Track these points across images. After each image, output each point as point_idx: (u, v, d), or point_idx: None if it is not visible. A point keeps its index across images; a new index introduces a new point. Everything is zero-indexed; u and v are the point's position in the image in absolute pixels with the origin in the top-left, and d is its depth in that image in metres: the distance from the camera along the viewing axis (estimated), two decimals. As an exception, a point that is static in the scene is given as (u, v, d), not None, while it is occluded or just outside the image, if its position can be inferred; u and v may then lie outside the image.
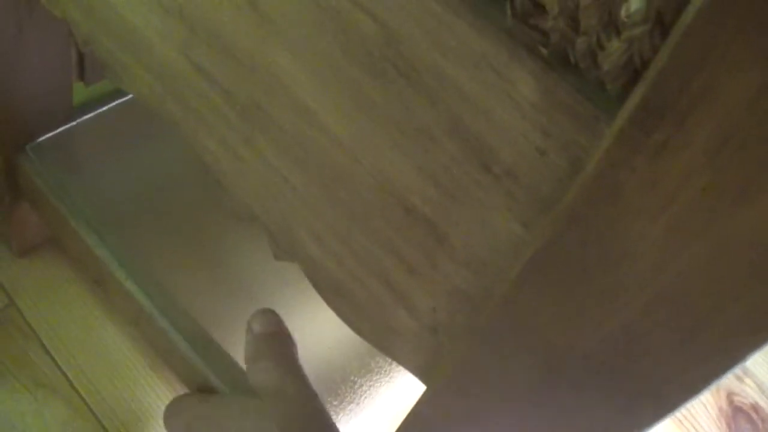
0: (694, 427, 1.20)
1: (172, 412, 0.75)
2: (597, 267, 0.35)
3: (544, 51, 0.35)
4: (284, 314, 0.74)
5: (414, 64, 0.40)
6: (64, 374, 0.99)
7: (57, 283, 1.06)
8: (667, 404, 0.38)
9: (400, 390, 0.88)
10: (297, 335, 0.74)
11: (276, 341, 0.72)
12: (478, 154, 0.40)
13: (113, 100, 0.96)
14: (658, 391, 0.38)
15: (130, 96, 0.92)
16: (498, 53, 0.36)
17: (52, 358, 1.00)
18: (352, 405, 0.84)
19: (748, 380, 1.26)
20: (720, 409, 1.23)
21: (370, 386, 0.86)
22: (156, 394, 1.01)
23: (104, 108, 0.96)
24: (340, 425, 0.75)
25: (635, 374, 0.38)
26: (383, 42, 0.40)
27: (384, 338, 0.52)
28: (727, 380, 1.24)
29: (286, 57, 0.46)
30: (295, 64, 0.46)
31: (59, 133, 0.92)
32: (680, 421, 1.20)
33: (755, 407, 1.24)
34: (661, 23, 0.30)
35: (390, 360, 0.86)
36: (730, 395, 1.24)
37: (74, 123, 0.93)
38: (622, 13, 0.30)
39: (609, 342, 0.38)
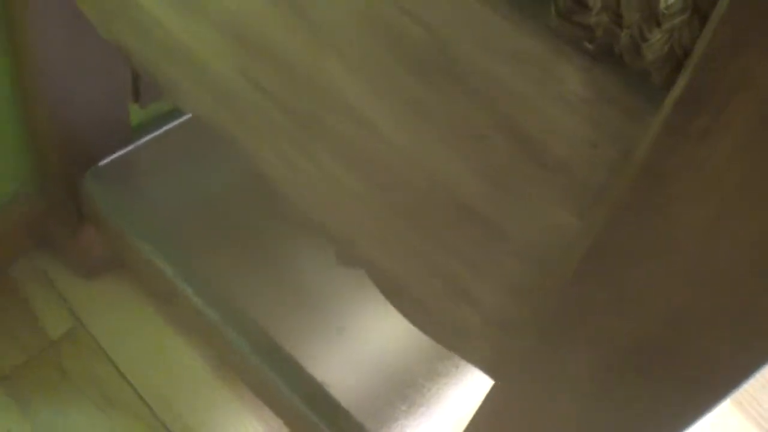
0: (760, 414, 1.19)
1: None
2: (649, 253, 0.36)
3: (589, 46, 0.36)
4: (350, 320, 0.75)
5: (464, 67, 0.41)
6: (136, 391, 1.01)
7: (123, 302, 1.08)
8: (722, 385, 0.39)
9: (468, 392, 0.88)
10: (363, 341, 0.74)
11: None
12: (531, 151, 0.41)
13: (169, 121, 0.98)
14: (713, 371, 0.39)
15: (185, 116, 0.94)
16: (544, 51, 0.37)
17: (123, 376, 1.02)
18: (421, 408, 0.85)
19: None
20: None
21: (438, 389, 0.86)
22: (228, 408, 1.02)
23: (161, 129, 0.97)
24: (409, 429, 0.76)
25: (690, 358, 0.39)
26: (434, 48, 0.42)
27: (449, 335, 0.53)
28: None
29: (339, 67, 0.48)
30: (348, 73, 0.47)
31: (119, 156, 0.95)
32: (740, 402, 1.19)
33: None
34: (698, 12, 0.31)
35: (457, 363, 0.87)
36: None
37: (133, 145, 0.95)
38: (662, 4, 0.31)
39: (662, 327, 0.39)
